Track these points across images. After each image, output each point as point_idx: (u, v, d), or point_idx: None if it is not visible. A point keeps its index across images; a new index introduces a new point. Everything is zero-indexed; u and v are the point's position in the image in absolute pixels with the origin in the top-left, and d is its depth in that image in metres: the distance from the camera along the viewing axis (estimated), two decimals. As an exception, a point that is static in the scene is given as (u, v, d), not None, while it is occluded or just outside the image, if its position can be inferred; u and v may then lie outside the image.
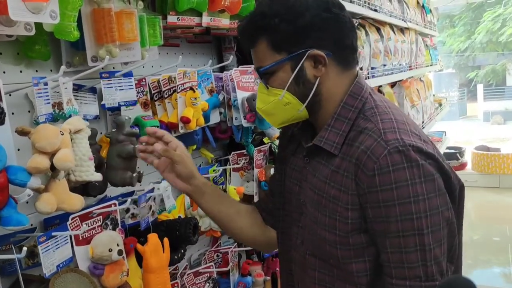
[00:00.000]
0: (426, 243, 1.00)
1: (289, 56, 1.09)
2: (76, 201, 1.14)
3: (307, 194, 1.17)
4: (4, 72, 1.25)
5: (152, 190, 1.48)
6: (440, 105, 5.96)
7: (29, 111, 1.29)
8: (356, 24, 2.62)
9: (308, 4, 1.07)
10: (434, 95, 6.16)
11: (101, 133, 1.49)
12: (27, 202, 1.21)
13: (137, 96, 1.53)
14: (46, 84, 1.12)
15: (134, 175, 1.35)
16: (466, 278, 0.32)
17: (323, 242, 1.12)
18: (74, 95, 1.31)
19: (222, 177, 1.89)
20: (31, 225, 1.31)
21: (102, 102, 1.40)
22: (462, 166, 7.55)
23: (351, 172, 1.05)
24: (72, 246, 1.21)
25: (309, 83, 1.10)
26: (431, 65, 5.44)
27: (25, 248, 0.99)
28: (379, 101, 1.13)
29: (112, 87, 1.40)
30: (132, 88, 1.42)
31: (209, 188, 1.34)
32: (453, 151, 7.46)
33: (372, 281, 1.09)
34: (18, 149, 1.23)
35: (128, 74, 1.40)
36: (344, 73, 1.13)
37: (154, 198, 1.50)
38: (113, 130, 1.42)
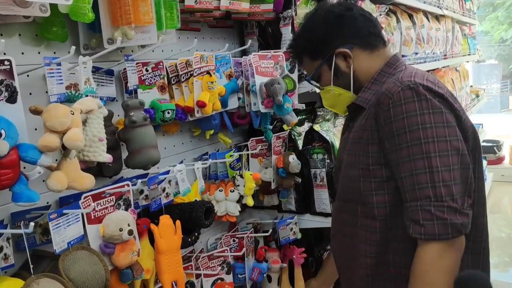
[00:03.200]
0: (434, 166, 1.12)
1: (324, 60, 1.35)
2: (87, 180, 1.16)
3: (345, 150, 1.35)
4: (22, 53, 1.28)
5: (166, 172, 1.49)
6: (477, 96, 5.74)
7: (46, 92, 1.32)
8: (384, 10, 2.57)
9: (316, 19, 1.38)
10: (471, 86, 5.93)
11: (118, 115, 1.52)
12: (43, 181, 1.25)
13: (154, 79, 1.54)
14: (59, 64, 1.14)
15: None
16: (482, 273, 0.29)
17: (349, 180, 1.30)
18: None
19: (239, 163, 1.88)
20: (47, 203, 1.35)
21: (128, 85, 1.43)
22: (500, 160, 7.25)
23: (373, 113, 1.23)
24: (84, 225, 1.24)
25: (346, 73, 1.34)
26: (468, 54, 5.23)
27: (32, 223, 1.01)
28: (410, 68, 1.31)
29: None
30: (135, 73, 1.45)
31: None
32: (490, 144, 7.15)
33: (390, 214, 1.23)
34: (36, 129, 1.27)
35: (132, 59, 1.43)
36: (373, 54, 1.35)
37: (170, 181, 1.50)
38: (132, 113, 1.43)
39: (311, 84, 1.47)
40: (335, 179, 1.58)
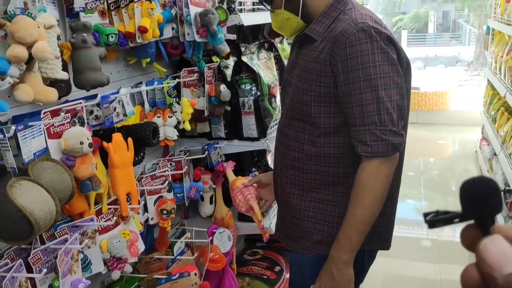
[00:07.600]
0: (380, 97, 1.33)
1: None
2: (51, 93, 1.22)
3: (294, 75, 1.52)
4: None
5: (116, 92, 1.56)
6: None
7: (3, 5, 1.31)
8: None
9: None
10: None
11: (59, 39, 1.53)
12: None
13: (94, 4, 1.57)
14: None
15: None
16: (490, 179, 0.39)
17: (300, 104, 1.48)
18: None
19: (175, 91, 1.99)
20: (0, 121, 1.37)
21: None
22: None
23: (327, 48, 1.39)
24: (45, 140, 1.29)
25: (296, 0, 1.49)
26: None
27: (13, 127, 1.06)
28: (357, 6, 1.47)
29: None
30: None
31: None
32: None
33: (332, 132, 1.45)
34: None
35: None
36: None
37: (119, 101, 1.58)
38: (74, 35, 1.47)
39: (263, 5, 1.59)
40: (280, 97, 1.74)
